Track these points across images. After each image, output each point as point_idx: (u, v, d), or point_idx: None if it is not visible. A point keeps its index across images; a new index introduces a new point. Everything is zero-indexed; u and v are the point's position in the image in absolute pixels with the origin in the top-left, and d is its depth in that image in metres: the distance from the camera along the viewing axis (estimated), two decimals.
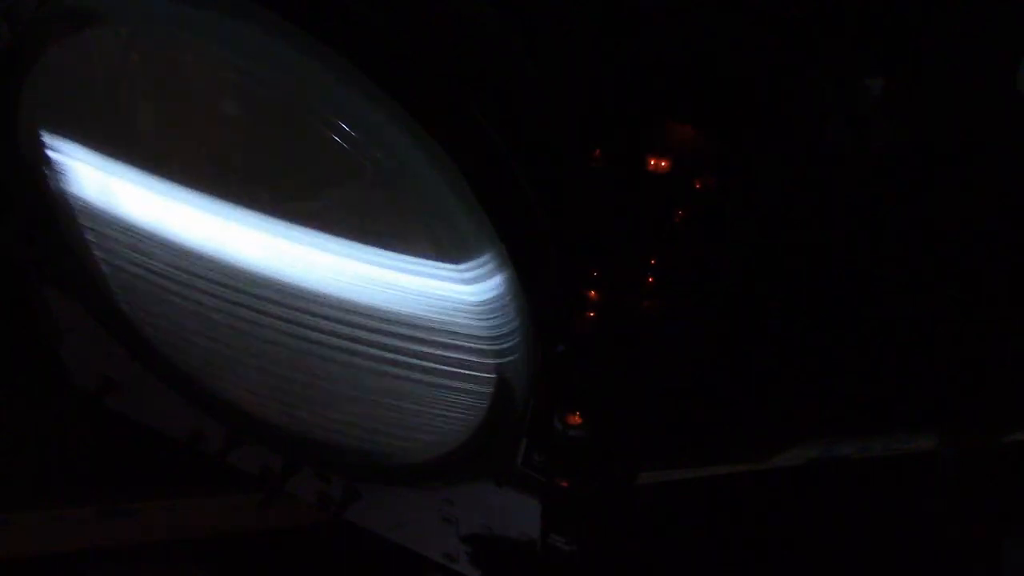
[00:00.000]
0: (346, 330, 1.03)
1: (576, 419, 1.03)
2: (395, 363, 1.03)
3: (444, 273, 0.93)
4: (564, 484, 1.08)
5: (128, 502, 1.40)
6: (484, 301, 0.94)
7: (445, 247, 0.92)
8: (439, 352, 1.00)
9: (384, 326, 1.00)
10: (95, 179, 1.06)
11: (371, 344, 1.03)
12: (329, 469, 1.24)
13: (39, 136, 1.06)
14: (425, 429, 1.09)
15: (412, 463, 1.14)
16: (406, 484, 1.18)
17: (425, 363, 1.02)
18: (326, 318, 1.03)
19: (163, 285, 1.11)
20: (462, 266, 0.92)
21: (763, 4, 1.11)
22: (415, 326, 0.99)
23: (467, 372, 1.00)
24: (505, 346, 0.97)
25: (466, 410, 1.05)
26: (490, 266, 0.92)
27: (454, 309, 0.96)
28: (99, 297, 1.20)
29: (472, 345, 0.98)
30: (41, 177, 1.09)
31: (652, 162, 1.04)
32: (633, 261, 1.07)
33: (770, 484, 1.30)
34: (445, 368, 1.01)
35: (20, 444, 1.45)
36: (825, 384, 1.21)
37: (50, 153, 1.07)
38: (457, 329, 0.97)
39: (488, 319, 0.95)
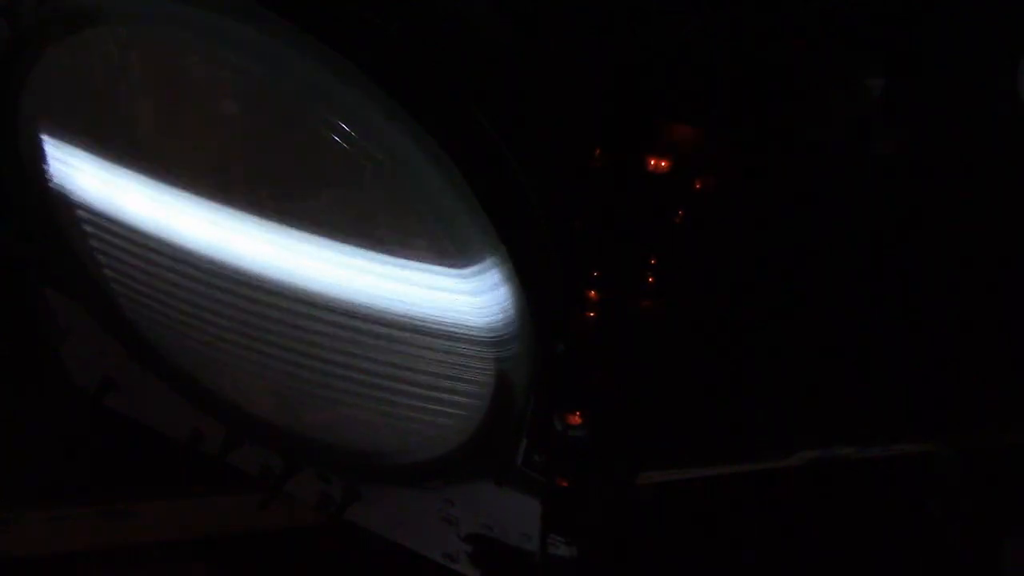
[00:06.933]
0: (346, 330, 1.03)
1: (576, 419, 1.03)
2: (395, 363, 1.03)
3: (444, 272, 0.93)
4: (564, 484, 1.08)
5: (128, 502, 1.39)
6: (484, 301, 0.94)
7: (445, 246, 0.92)
8: (439, 352, 1.00)
9: (384, 326, 1.00)
10: (95, 179, 1.06)
11: (371, 344, 1.03)
12: (329, 469, 1.24)
13: (39, 136, 1.06)
14: (425, 429, 1.09)
15: (412, 463, 1.14)
16: (406, 484, 1.18)
17: (425, 363, 1.02)
18: (326, 318, 1.03)
19: (163, 285, 1.11)
20: (462, 265, 0.92)
21: (763, 4, 1.11)
22: (415, 326, 0.99)
23: (467, 372, 1.00)
24: (505, 346, 0.97)
25: (466, 410, 1.04)
26: (490, 265, 0.91)
27: (454, 309, 0.96)
28: (99, 297, 1.20)
29: (472, 345, 0.98)
30: (41, 177, 1.09)
31: (652, 162, 1.04)
32: (633, 261, 1.07)
33: (770, 484, 1.30)
34: (445, 368, 1.01)
35: (20, 444, 1.45)
36: (825, 385, 1.21)
37: (50, 153, 1.07)
38: (457, 329, 0.97)
39: (488, 319, 0.95)
